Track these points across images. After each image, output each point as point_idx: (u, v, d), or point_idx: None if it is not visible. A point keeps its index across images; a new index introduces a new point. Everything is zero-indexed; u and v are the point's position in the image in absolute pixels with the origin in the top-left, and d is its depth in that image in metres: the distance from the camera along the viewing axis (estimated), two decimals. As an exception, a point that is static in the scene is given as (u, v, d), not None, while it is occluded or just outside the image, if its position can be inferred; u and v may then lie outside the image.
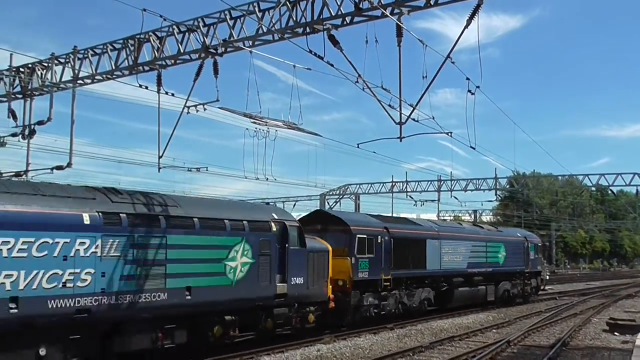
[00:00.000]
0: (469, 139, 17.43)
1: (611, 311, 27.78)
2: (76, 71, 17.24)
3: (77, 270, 11.94)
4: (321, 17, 13.28)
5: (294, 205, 63.54)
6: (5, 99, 19.15)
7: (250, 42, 14.35)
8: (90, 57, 16.97)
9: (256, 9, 13.97)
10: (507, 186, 54.18)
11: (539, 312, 26.45)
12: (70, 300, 11.80)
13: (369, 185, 53.87)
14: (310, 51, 13.11)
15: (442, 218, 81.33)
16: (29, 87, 18.54)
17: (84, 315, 12.00)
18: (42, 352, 11.40)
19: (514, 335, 18.49)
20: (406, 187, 51.29)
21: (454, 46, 13.59)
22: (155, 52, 15.62)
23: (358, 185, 55.10)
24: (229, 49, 14.70)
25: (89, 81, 17.41)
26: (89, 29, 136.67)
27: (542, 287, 36.10)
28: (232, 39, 14.34)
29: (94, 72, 16.94)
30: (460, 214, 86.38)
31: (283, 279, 16.62)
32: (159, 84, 16.00)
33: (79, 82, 17.42)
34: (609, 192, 66.05)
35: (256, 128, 17.10)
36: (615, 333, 19.92)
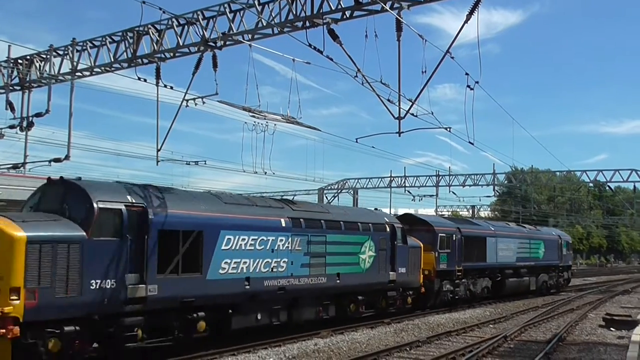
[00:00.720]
0: (467, 134, 17.46)
1: (608, 307, 27.88)
2: (75, 63, 17.21)
3: (279, 260, 16.71)
4: (321, 11, 13.26)
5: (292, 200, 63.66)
6: (3, 91, 19.12)
7: (250, 36, 14.34)
8: (89, 49, 16.94)
9: (256, 2, 13.94)
10: (506, 182, 54.25)
11: (536, 308, 26.52)
12: (275, 280, 16.57)
13: (368, 179, 53.90)
14: (310, 45, 13.09)
15: (440, 213, 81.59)
16: (27, 79, 18.51)
17: (281, 291, 16.79)
18: (259, 317, 16.29)
19: (511, 331, 18.54)
20: (404, 182, 51.32)
21: (453, 41, 13.60)
22: (155, 44, 15.59)
23: (356, 180, 55.12)
24: (228, 43, 14.68)
25: (87, 73, 17.38)
26: (88, 21, 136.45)
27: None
28: (231, 32, 14.32)
29: (93, 64, 16.91)
30: (458, 210, 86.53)
31: (393, 269, 21.36)
32: (157, 76, 15.98)
33: (77, 74, 17.40)
34: (607, 188, 66.10)
35: (255, 122, 17.09)
36: (612, 328, 19.99)
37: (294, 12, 13.54)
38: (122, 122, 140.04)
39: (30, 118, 18.52)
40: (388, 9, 12.67)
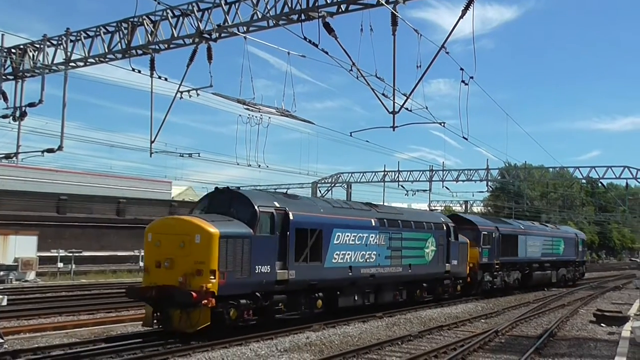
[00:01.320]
0: (461, 129, 17.54)
1: (598, 303, 28.04)
2: (68, 53, 17.14)
3: (370, 252, 20.46)
4: (316, 4, 13.24)
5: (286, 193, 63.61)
6: (-4, 80, 19.00)
7: (245, 28, 14.30)
8: (83, 39, 16.86)
9: (251, -6, 13.89)
10: (499, 177, 54.36)
11: (527, 303, 26.64)
12: (368, 269, 20.36)
13: (361, 174, 53.94)
14: (305, 38, 13.07)
15: (433, 208, 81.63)
16: (21, 69, 18.41)
17: (372, 278, 20.65)
18: (356, 298, 20.13)
19: (502, 326, 18.62)
20: (398, 177, 51.39)
21: (448, 36, 13.63)
22: (149, 36, 15.54)
23: (350, 174, 55.17)
24: (223, 35, 14.65)
25: (81, 64, 17.31)
26: (82, 11, 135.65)
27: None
28: (226, 24, 14.28)
29: (87, 54, 16.84)
30: (451, 205, 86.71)
31: (447, 261, 25.26)
32: (152, 68, 15.95)
33: (71, 64, 17.32)
34: (599, 184, 66.36)
35: (249, 114, 17.11)
36: (602, 324, 20.09)
37: (290, 5, 13.51)
38: (116, 113, 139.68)
39: (23, 108, 18.45)
40: (383, 2, 12.66)
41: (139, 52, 16.04)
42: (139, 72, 16.25)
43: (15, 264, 32.20)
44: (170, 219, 17.69)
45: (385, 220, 21.64)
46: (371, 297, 21.08)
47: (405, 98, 14.41)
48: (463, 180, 49.62)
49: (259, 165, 34.99)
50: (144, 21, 15.48)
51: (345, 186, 58.77)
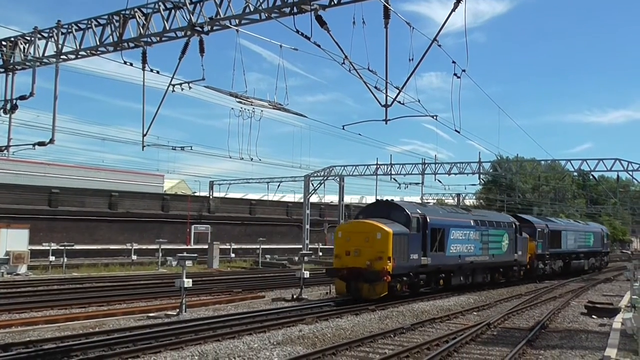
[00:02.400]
0: (453, 122, 17.53)
1: (590, 295, 28.22)
2: (60, 46, 16.98)
3: (470, 245, 27.42)
4: (309, -4, 13.15)
5: (278, 186, 63.61)
6: (-14, 73, 18.83)
7: (237, 21, 14.20)
8: (74, 32, 16.70)
9: (243, -13, 13.79)
10: (491, 170, 54.44)
11: (519, 295, 26.77)
12: (469, 257, 27.46)
13: (354, 167, 53.92)
14: (297, 31, 13.01)
15: (426, 201, 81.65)
16: (11, 61, 18.24)
17: (471, 264, 27.79)
18: (461, 279, 27.34)
19: (494, 318, 18.72)
20: (390, 170, 51.38)
21: (440, 29, 13.60)
22: (141, 28, 15.42)
23: (342, 167, 55.13)
24: (215, 28, 14.55)
25: (72, 57, 17.14)
26: (73, 4, 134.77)
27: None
28: (218, 17, 14.18)
29: (78, 47, 16.69)
30: (444, 198, 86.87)
31: (515, 252, 32.01)
32: (144, 61, 15.83)
33: (62, 57, 17.16)
34: (591, 177, 66.66)
35: (241, 108, 17.09)
36: (593, 316, 20.23)
37: (282, -2, 13.43)
38: (108, 106, 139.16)
39: (14, 101, 18.29)
40: (376, -5, 12.61)
41: (131, 45, 15.91)
42: (131, 65, 16.15)
43: (7, 257, 32.09)
44: (357, 222, 24.29)
45: (478, 221, 28.98)
46: (470, 278, 28.12)
47: (398, 91, 14.39)
48: (455, 174, 49.63)
49: (252, 159, 35.05)
50: (136, 14, 15.36)
51: (338, 179, 58.78)
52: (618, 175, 47.35)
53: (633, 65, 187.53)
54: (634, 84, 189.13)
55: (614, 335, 15.37)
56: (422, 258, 23.98)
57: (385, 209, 24.48)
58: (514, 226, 32.26)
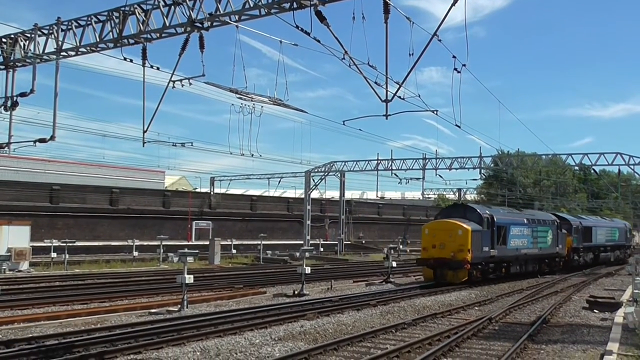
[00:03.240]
0: (454, 117, 17.59)
1: (591, 289, 28.20)
2: (60, 43, 16.97)
3: (524, 239, 32.46)
4: (309, -8, 13.12)
5: (279, 182, 63.65)
6: (-14, 70, 18.82)
7: (237, 17, 14.18)
8: (74, 28, 16.69)
9: (243, -18, 13.76)
10: (492, 165, 54.46)
11: (521, 290, 26.75)
12: (523, 250, 32.30)
13: (355, 162, 53.96)
14: (297, 27, 13.00)
15: (427, 196, 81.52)
16: (11, 58, 18.23)
17: (525, 256, 32.69)
18: (517, 268, 32.15)
19: (496, 313, 18.70)
20: (391, 165, 51.41)
21: (440, 24, 13.61)
22: (141, 25, 15.40)
23: (343, 163, 55.16)
24: (215, 24, 14.53)
25: (72, 53, 17.15)
26: (72, 0, 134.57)
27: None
28: (218, 13, 14.16)
29: (78, 44, 16.68)
30: (444, 193, 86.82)
31: (557, 245, 36.90)
32: (144, 57, 15.83)
33: (62, 54, 17.16)
34: (592, 171, 66.73)
35: (242, 104, 17.08)
36: (595, 310, 20.21)
37: (282, -7, 13.40)
38: (108, 102, 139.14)
39: (15, 98, 18.29)
40: (376, -10, 12.58)
41: (131, 41, 15.90)
42: (131, 61, 16.14)
43: (8, 254, 32.09)
44: (441, 222, 29.46)
45: (530, 219, 34.24)
46: (524, 268, 32.99)
47: (398, 86, 14.39)
48: (456, 168, 49.74)
49: (252, 155, 35.05)
50: (136, 10, 15.35)
51: (339, 175, 58.78)
52: (619, 170, 47.62)
53: (633, 58, 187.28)
54: (634, 77, 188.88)
55: (616, 329, 15.36)
56: (491, 250, 29.13)
57: (461, 210, 30.35)
58: (555, 223, 37.34)
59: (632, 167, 45.37)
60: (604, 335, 15.30)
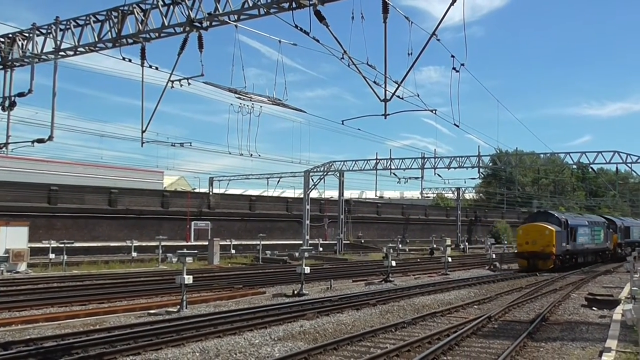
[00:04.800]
0: (453, 116, 17.61)
1: (590, 287, 28.22)
2: (58, 42, 16.93)
3: (586, 237, 43.30)
4: (307, -9, 13.10)
5: (278, 182, 63.64)
6: (-16, 70, 18.77)
7: (236, 17, 14.16)
8: (72, 28, 16.65)
9: (242, -18, 13.73)
10: (490, 164, 54.49)
11: (520, 288, 26.78)
12: (586, 245, 43.33)
13: (353, 162, 53.99)
14: (296, 26, 12.99)
15: (426, 195, 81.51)
16: (9, 58, 18.19)
17: (587, 249, 43.62)
18: (583, 259, 42.74)
19: (495, 311, 18.72)
20: (390, 165, 51.44)
21: (439, 23, 13.60)
22: (139, 24, 15.37)
23: (342, 162, 55.17)
24: (214, 23, 14.50)
25: (71, 53, 17.10)
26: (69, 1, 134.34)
27: None
28: (217, 12, 14.13)
29: (77, 43, 16.64)
30: (443, 192, 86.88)
31: (607, 241, 47.28)
32: (142, 57, 15.81)
33: (60, 53, 17.11)
34: (590, 170, 67.12)
35: (241, 103, 17.06)
36: (594, 308, 20.24)
37: (280, -7, 13.38)
38: (107, 102, 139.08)
39: (13, 98, 18.25)
40: (375, -10, 12.57)
41: (130, 41, 15.86)
42: (130, 61, 16.13)
43: (6, 255, 32.05)
44: (532, 225, 39.22)
45: (589, 221, 44.84)
46: (586, 259, 42.44)
47: (397, 86, 14.38)
48: (455, 168, 49.80)
49: (251, 155, 35.05)
50: (134, 10, 15.32)
51: (338, 174, 58.78)
52: (617, 168, 47.73)
53: (631, 57, 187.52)
54: (632, 76, 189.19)
55: (615, 326, 15.39)
56: (567, 245, 39.09)
57: (545, 216, 40.87)
58: (605, 224, 48.36)
59: (629, 165, 45.50)
60: (603, 332, 15.32)
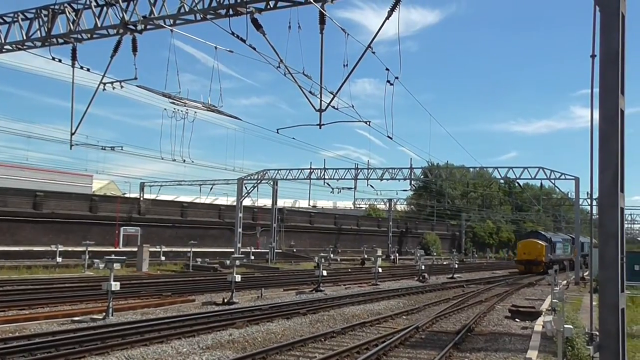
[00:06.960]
0: (386, 128, 17.91)
1: (513, 299, 29.09)
2: (-17, 39, 16.33)
3: (560, 250, 60.41)
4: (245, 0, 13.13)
5: (211, 189, 63.03)
6: None
7: (172, 21, 14.03)
8: (-1, 25, 16.12)
9: (179, -14, 13.63)
10: (422, 176, 55.68)
11: (447, 299, 27.34)
12: (560, 256, 58.55)
13: (287, 171, 54.04)
14: (233, 33, 12.97)
15: (358, 206, 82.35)
16: None
17: (561, 258, 57.61)
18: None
19: (423, 322, 19.05)
20: (324, 175, 51.75)
21: (375, 36, 13.85)
22: (71, 24, 15.01)
23: (276, 171, 55.13)
24: (148, 27, 14.33)
25: (-3, 51, 16.53)
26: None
27: None
28: (152, 16, 13.96)
29: (3, 41, 16.11)
30: (375, 202, 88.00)
31: (571, 253, 57.98)
32: (73, 58, 15.45)
33: (-15, 51, 16.52)
34: (516, 184, 70.08)
35: (174, 108, 16.84)
36: (517, 319, 20.88)
37: (218, 0, 13.35)
38: (34, 103, 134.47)
39: None
40: (312, 1, 12.70)
41: (60, 41, 15.48)
42: (60, 61, 15.72)
43: None
44: (528, 241, 55.59)
45: (562, 238, 60.88)
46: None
47: (332, 96, 14.54)
48: (387, 179, 50.62)
49: (184, 160, 34.68)
50: (66, 9, 14.96)
51: (272, 183, 58.68)
52: (542, 183, 50.35)
53: (554, 77, 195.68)
54: (555, 95, 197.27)
55: (535, 337, 15.92)
56: (551, 255, 52.77)
57: (536, 234, 58.71)
58: (570, 240, 60.99)
59: (552, 181, 47.43)
60: (525, 343, 15.82)
